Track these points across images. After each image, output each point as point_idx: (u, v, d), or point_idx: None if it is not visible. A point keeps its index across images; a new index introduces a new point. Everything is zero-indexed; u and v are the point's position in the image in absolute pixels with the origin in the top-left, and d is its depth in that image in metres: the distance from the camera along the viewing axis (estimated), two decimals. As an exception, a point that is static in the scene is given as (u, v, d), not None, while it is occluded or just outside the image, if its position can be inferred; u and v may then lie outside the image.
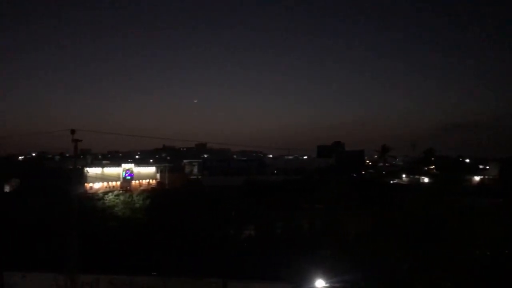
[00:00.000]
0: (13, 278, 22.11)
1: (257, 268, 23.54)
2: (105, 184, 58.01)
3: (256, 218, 38.07)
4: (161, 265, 24.50)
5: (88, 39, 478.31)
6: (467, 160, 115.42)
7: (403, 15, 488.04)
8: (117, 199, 41.20)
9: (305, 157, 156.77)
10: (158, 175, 71.28)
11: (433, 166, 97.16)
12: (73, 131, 22.38)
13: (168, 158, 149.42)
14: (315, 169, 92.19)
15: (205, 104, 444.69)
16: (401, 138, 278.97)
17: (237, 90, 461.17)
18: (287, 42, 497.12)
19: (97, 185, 56.55)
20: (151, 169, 72.26)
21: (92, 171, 53.77)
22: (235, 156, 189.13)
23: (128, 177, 62.99)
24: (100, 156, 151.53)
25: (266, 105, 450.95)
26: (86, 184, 54.33)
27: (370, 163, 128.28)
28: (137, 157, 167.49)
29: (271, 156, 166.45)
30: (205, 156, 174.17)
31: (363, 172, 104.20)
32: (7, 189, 53.88)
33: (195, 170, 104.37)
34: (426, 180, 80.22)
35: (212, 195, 45.66)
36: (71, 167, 24.58)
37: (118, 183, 60.79)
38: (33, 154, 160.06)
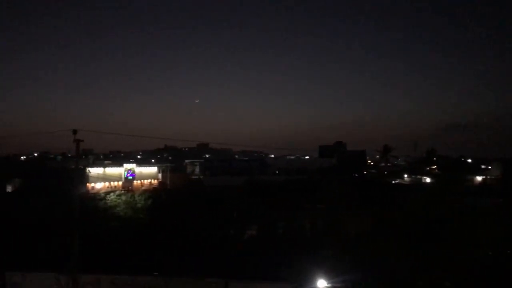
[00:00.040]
0: (15, 278, 22.13)
1: (259, 268, 23.52)
2: (107, 184, 58.05)
3: (258, 218, 38.06)
4: (163, 265, 24.52)
5: (88, 39, 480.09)
6: (469, 160, 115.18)
7: (403, 15, 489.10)
8: (119, 199, 41.27)
9: (306, 157, 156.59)
10: (159, 175, 71.23)
11: (435, 166, 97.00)
12: (75, 131, 22.38)
13: (170, 158, 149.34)
14: (317, 169, 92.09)
15: (205, 104, 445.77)
16: (401, 138, 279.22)
17: (237, 90, 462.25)
18: (287, 42, 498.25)
19: (99, 185, 56.59)
20: (153, 169, 72.21)
21: (94, 171, 53.74)
22: (236, 156, 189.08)
23: (130, 177, 62.97)
24: (102, 156, 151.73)
25: (266, 105, 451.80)
26: (88, 184, 54.37)
27: (372, 163, 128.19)
28: (138, 157, 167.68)
29: (272, 156, 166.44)
30: (207, 156, 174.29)
31: (365, 172, 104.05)
32: (9, 189, 53.97)
33: (197, 170, 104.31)
34: (428, 180, 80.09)
35: (214, 195, 45.69)
36: (73, 167, 24.56)
37: (120, 183, 60.80)
38: (35, 154, 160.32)
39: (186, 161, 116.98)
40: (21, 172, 62.14)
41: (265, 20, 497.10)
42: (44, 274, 22.40)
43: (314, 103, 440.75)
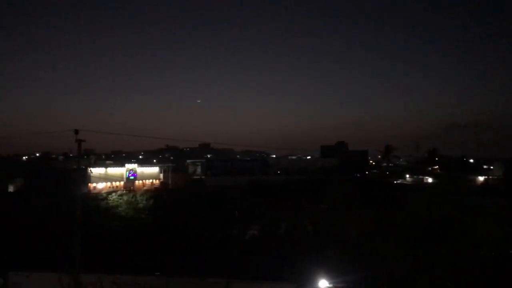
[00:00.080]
0: (17, 278, 22.16)
1: (261, 268, 23.54)
2: (109, 184, 58.10)
3: (260, 218, 38.08)
4: (165, 265, 24.55)
5: (88, 39, 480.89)
6: (471, 160, 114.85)
7: (403, 15, 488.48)
8: (120, 199, 41.31)
9: (308, 157, 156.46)
10: (161, 175, 71.24)
11: (437, 166, 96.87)
12: (76, 131, 22.38)
13: (172, 158, 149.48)
14: (318, 169, 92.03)
15: (205, 104, 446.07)
16: (401, 138, 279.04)
17: (237, 90, 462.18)
18: (287, 42, 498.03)
19: (100, 185, 56.61)
20: (155, 169, 72.22)
21: (95, 171, 53.72)
22: (238, 156, 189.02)
23: (132, 177, 62.98)
24: (103, 156, 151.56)
25: (266, 105, 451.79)
26: (89, 184, 54.41)
27: (373, 163, 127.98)
28: (140, 157, 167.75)
29: (274, 156, 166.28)
30: (208, 156, 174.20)
31: (367, 172, 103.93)
32: (11, 189, 54.07)
33: (199, 170, 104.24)
34: (430, 180, 80.00)
35: (215, 195, 45.75)
36: (75, 167, 24.56)
37: (122, 183, 60.79)
38: (37, 154, 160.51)
39: (188, 161, 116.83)
40: (23, 172, 62.25)
41: (265, 20, 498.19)
42: (46, 274, 22.42)
43: (314, 103, 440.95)
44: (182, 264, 25.71)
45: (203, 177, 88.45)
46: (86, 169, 47.47)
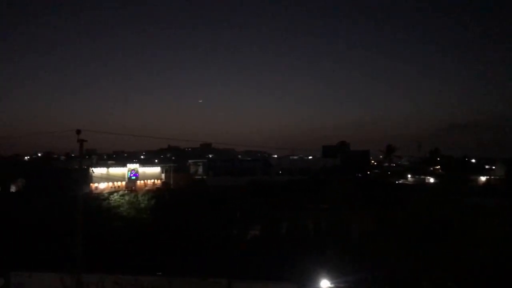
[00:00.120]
0: (19, 278, 22.21)
1: (262, 268, 23.54)
2: (110, 184, 58.20)
3: (261, 218, 38.05)
4: (166, 265, 24.57)
5: (88, 39, 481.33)
6: (473, 160, 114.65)
7: (403, 15, 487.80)
8: (122, 199, 41.32)
9: (310, 157, 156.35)
10: (163, 175, 71.36)
11: (439, 166, 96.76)
12: (78, 131, 22.39)
13: (173, 158, 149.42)
14: (320, 169, 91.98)
15: (206, 104, 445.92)
16: (402, 138, 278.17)
17: (237, 90, 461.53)
18: (287, 42, 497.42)
19: (102, 185, 56.74)
20: (156, 169, 72.35)
21: (97, 171, 53.79)
22: (239, 156, 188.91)
23: (133, 177, 63.12)
24: (105, 156, 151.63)
25: (266, 105, 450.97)
26: (91, 184, 54.51)
27: (375, 163, 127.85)
28: (142, 157, 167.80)
29: (275, 156, 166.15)
30: (210, 156, 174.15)
31: (369, 172, 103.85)
32: (13, 189, 54.20)
33: (200, 170, 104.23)
34: (431, 180, 79.93)
35: (217, 195, 45.71)
36: (77, 167, 24.61)
37: (123, 183, 60.91)
38: (39, 154, 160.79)
39: (189, 161, 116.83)
40: (25, 172, 62.38)
41: (265, 20, 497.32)
42: (48, 274, 22.47)
43: (314, 103, 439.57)
44: (184, 264, 25.73)
45: (204, 177, 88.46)
46: (88, 169, 47.56)
